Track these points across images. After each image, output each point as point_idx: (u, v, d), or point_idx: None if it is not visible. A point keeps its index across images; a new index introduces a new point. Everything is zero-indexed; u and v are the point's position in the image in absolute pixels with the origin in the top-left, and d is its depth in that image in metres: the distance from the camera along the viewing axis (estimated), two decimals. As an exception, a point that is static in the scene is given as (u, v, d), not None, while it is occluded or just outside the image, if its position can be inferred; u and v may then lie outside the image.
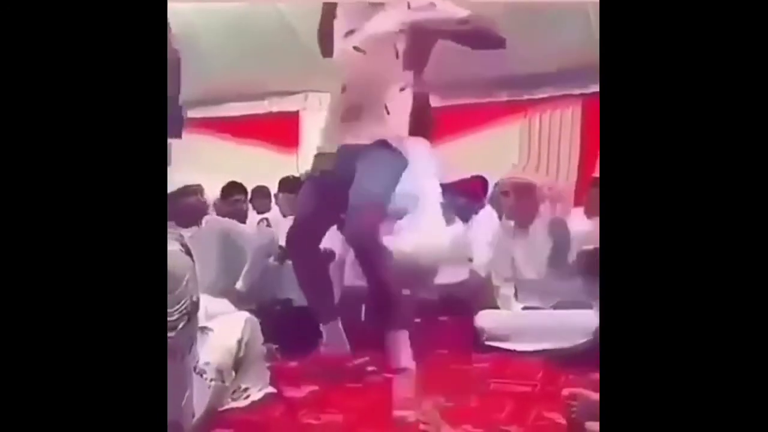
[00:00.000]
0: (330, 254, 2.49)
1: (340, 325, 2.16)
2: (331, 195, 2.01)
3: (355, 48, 1.94)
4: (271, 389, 1.78)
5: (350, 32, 1.97)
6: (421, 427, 1.52)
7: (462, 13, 1.93)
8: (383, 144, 1.97)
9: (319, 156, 2.09)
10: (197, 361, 1.54)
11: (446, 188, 3.84)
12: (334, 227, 2.22)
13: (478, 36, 1.94)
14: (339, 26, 2.03)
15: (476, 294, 2.84)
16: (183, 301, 1.37)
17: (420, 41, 1.94)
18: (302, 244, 2.11)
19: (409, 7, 1.95)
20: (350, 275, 2.51)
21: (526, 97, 5.02)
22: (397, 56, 1.93)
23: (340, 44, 2.00)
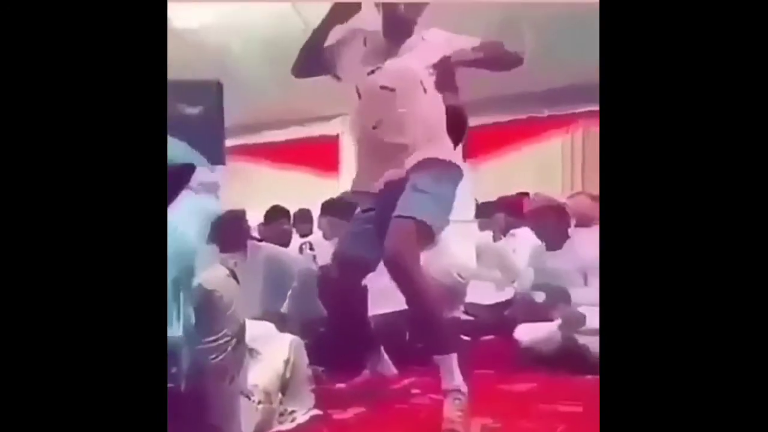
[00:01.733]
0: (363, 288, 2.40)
1: (382, 352, 2.13)
2: (369, 240, 1.92)
3: (382, 87, 1.94)
4: (317, 411, 1.79)
5: (373, 71, 1.96)
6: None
7: (473, 41, 1.93)
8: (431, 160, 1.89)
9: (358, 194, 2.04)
10: (245, 384, 1.56)
11: (486, 206, 3.83)
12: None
13: (494, 59, 1.94)
14: (357, 65, 1.98)
15: (520, 312, 2.80)
16: (232, 325, 1.40)
17: (444, 73, 1.92)
18: (336, 297, 2.05)
19: (425, 41, 1.95)
20: (377, 303, 2.45)
21: (568, 111, 4.94)
22: (425, 92, 1.92)
23: (364, 83, 1.97)
